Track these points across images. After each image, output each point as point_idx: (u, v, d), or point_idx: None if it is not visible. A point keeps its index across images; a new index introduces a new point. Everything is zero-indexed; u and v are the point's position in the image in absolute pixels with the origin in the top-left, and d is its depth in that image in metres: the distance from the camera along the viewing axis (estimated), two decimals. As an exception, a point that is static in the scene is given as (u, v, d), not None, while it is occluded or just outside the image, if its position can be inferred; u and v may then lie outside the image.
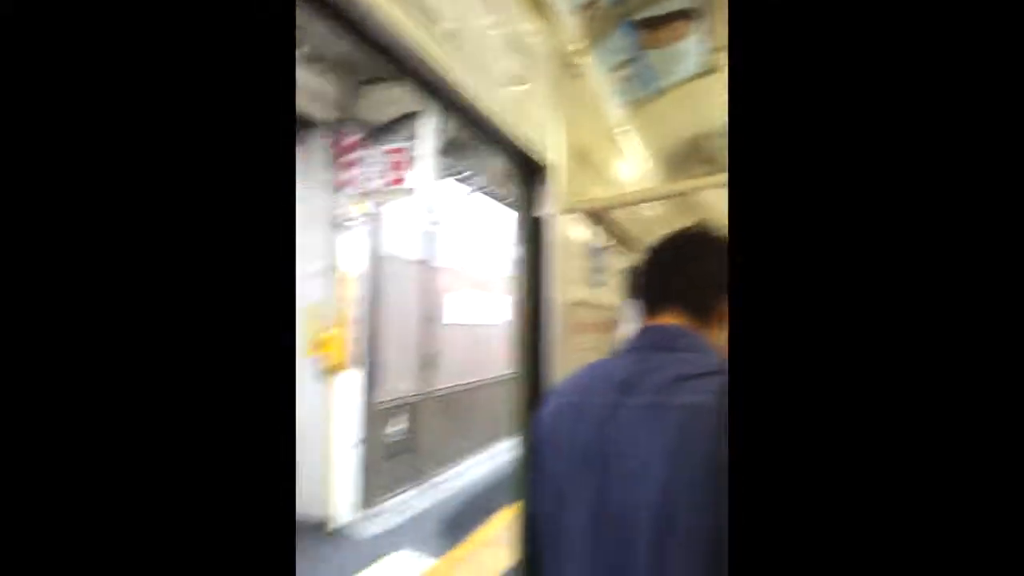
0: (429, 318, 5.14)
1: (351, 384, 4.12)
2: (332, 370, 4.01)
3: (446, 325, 5.50)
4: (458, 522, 4.29)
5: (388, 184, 4.09)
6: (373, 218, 4.39)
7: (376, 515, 4.25)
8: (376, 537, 3.89)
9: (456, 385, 5.67)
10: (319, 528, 3.91)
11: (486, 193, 6.11)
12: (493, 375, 6.46)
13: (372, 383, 4.30)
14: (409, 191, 4.05)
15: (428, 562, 3.46)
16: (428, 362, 5.11)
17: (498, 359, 6.61)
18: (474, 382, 6.05)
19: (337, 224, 4.13)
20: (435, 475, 5.13)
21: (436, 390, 5.25)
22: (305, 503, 4.00)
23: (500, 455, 6.32)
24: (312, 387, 4.06)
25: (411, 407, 4.88)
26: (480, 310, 6.20)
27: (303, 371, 4.09)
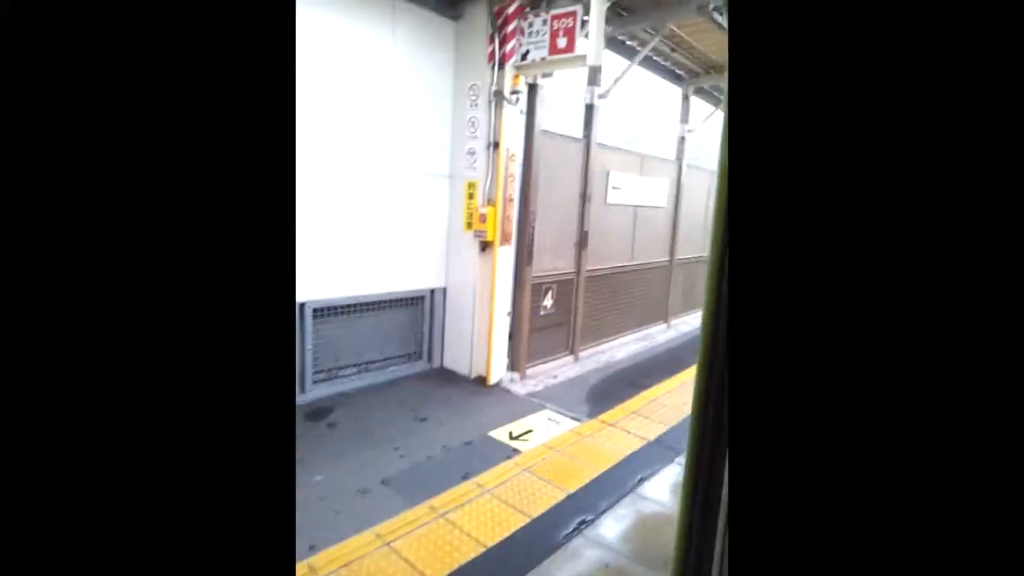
0: (587, 197, 5.08)
1: (506, 259, 4.37)
2: (490, 245, 4.27)
3: (606, 205, 5.40)
4: (602, 393, 4.54)
5: (552, 54, 3.91)
6: (534, 92, 4.30)
7: (526, 377, 4.69)
8: (528, 395, 4.32)
9: (612, 267, 5.68)
10: (481, 381, 4.46)
11: (656, 64, 5.51)
12: (650, 260, 6.31)
13: (526, 259, 4.51)
14: (574, 60, 3.84)
15: (570, 423, 3.79)
16: (583, 241, 5.15)
17: (657, 244, 6.40)
18: (630, 265, 6.00)
19: (497, 99, 4.13)
20: (580, 350, 5.39)
21: (591, 269, 5.34)
22: (468, 361, 4.56)
23: (648, 338, 6.36)
24: (471, 260, 4.41)
25: (565, 284, 5.06)
26: (642, 191, 5.94)
27: (464, 245, 4.43)
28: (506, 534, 2.44)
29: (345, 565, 2.16)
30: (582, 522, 2.57)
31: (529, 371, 4.78)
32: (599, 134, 5.08)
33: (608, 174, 5.37)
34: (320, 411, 3.71)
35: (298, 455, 3.09)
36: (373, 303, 4.20)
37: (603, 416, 3.87)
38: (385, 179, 4.07)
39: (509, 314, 4.53)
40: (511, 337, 4.61)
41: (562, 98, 4.71)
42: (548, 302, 4.91)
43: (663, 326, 6.82)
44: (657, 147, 6.13)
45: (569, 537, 2.46)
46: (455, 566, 2.21)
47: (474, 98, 4.24)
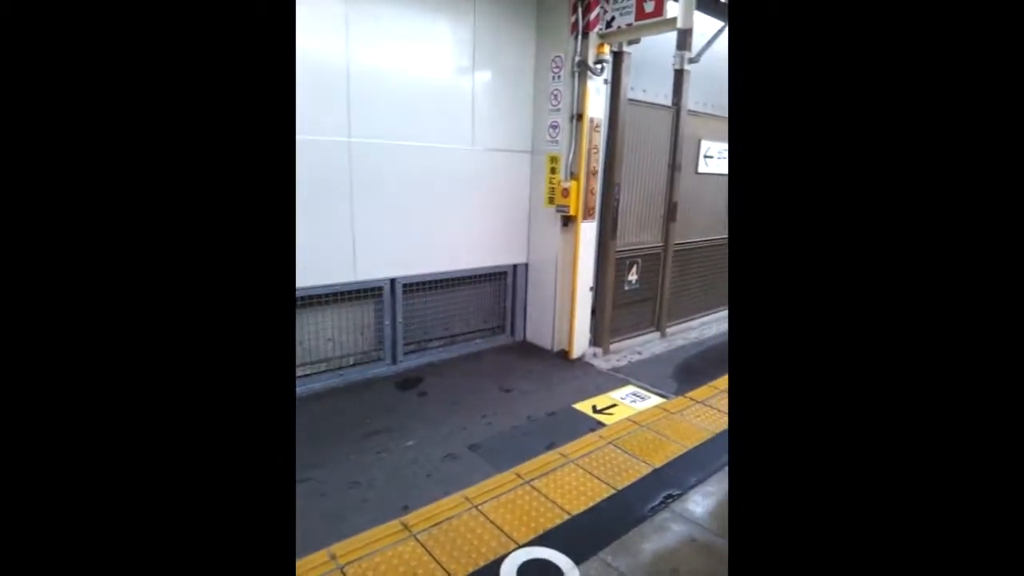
0: (676, 167, 4.88)
1: (589, 234, 4.31)
2: (572, 220, 4.23)
3: (696, 175, 5.16)
4: (690, 370, 4.40)
5: (639, 19, 3.76)
6: (619, 59, 4.16)
7: (609, 353, 4.64)
8: (611, 370, 4.28)
9: (702, 240, 5.44)
10: (564, 355, 4.47)
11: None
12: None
13: (610, 233, 4.42)
14: (663, 24, 3.67)
15: (656, 399, 3.71)
16: (672, 213, 4.97)
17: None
18: (722, 239, 5.71)
19: (581, 69, 4.04)
20: (667, 326, 5.23)
21: (680, 243, 5.14)
22: (550, 335, 4.58)
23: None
24: (553, 236, 4.39)
25: (651, 258, 4.92)
26: (735, 160, 5.60)
27: (546, 221, 4.42)
28: (591, 503, 2.45)
29: (436, 524, 2.28)
30: (668, 496, 2.53)
31: (613, 346, 4.72)
32: (690, 100, 4.83)
33: (699, 142, 5.12)
34: (411, 380, 3.90)
35: (392, 422, 3.27)
36: (458, 279, 4.32)
37: (691, 393, 3.75)
38: (466, 158, 4.13)
39: (592, 289, 4.48)
40: (594, 312, 4.56)
41: (650, 64, 4.52)
42: (633, 277, 4.80)
43: (757, 303, 6.46)
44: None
45: (655, 510, 2.43)
46: (540, 531, 2.26)
47: (556, 70, 4.18)
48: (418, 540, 2.18)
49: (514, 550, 2.15)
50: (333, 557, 2.07)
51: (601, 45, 4.02)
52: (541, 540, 2.21)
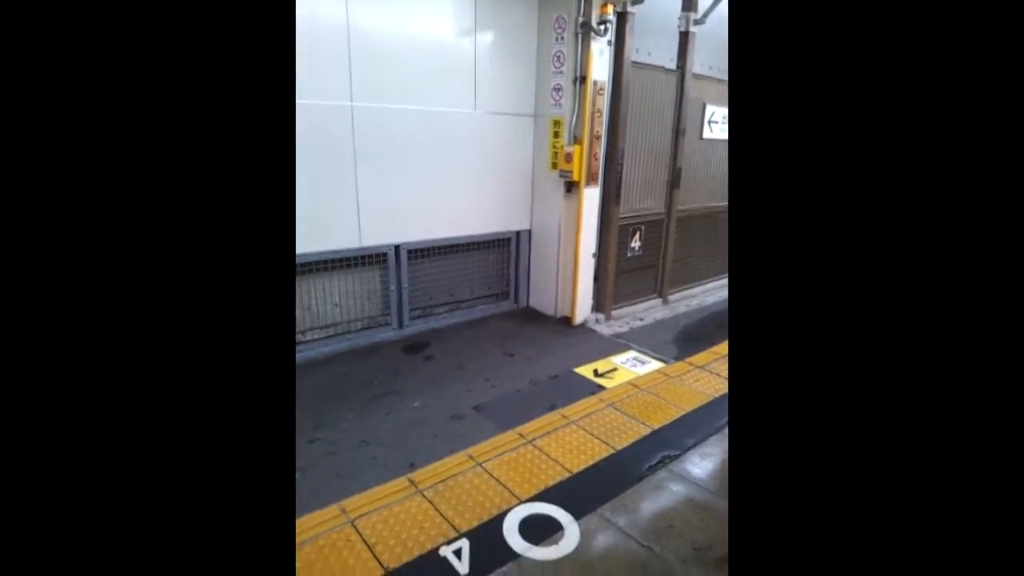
0: (681, 132, 4.82)
1: (592, 200, 4.31)
2: (575, 185, 4.21)
3: (701, 140, 5.11)
4: (691, 336, 4.46)
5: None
6: (623, 20, 4.07)
7: (611, 319, 4.69)
8: (613, 336, 4.35)
9: (706, 206, 5.42)
10: (566, 321, 4.53)
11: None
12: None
13: (613, 199, 4.41)
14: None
15: (656, 364, 3.78)
16: (676, 180, 4.94)
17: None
18: (726, 206, 5.68)
19: (584, 30, 3.96)
20: (669, 293, 5.27)
21: (683, 209, 5.13)
22: (553, 301, 4.63)
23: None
24: (556, 202, 4.38)
25: (654, 225, 4.92)
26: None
27: (549, 186, 4.40)
28: (590, 462, 2.54)
29: (442, 481, 2.37)
30: (666, 456, 2.62)
31: (615, 313, 4.77)
32: (695, 64, 4.74)
33: (704, 106, 5.04)
34: (417, 345, 3.97)
35: (399, 384, 3.36)
36: (462, 245, 4.34)
37: (692, 359, 3.81)
38: (469, 122, 4.10)
39: (595, 256, 4.50)
40: (597, 279, 4.60)
41: (654, 25, 4.42)
42: (636, 244, 4.82)
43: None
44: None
45: (653, 469, 2.52)
46: (542, 487, 2.35)
47: (560, 31, 4.10)
48: (424, 496, 2.27)
49: (516, 505, 2.24)
50: (344, 511, 2.17)
51: (605, 5, 3.93)
52: (542, 496, 2.30)
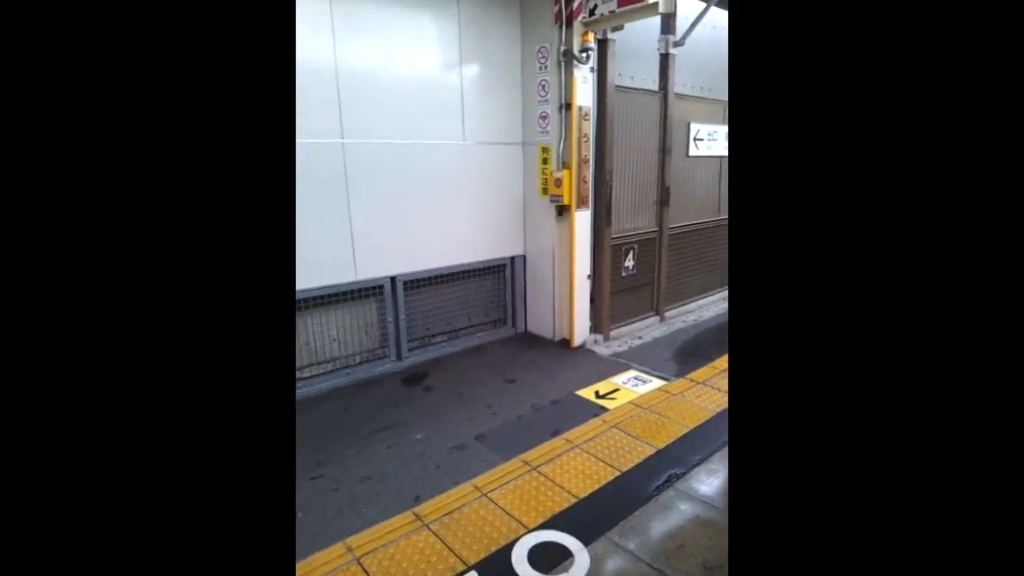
0: (667, 151, 4.90)
1: (584, 222, 4.36)
2: (566, 209, 4.27)
3: (687, 158, 5.19)
4: (690, 352, 4.46)
5: (622, 5, 3.78)
6: (604, 47, 4.18)
7: (610, 339, 4.69)
8: (612, 356, 4.34)
9: (696, 223, 5.48)
10: (565, 344, 4.53)
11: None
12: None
13: (605, 221, 4.46)
14: (646, 9, 3.68)
15: (658, 382, 3.77)
16: (665, 198, 5.00)
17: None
18: (716, 220, 5.75)
19: (567, 59, 4.06)
20: (665, 310, 5.29)
21: (674, 227, 5.18)
22: (551, 325, 4.63)
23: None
24: (548, 226, 4.43)
25: (646, 244, 4.96)
26: (727, 141, 5.63)
27: (541, 211, 4.45)
28: (596, 486, 2.52)
29: (448, 513, 2.34)
30: (672, 475, 2.60)
31: (613, 333, 4.77)
32: (677, 83, 4.85)
33: (688, 125, 5.14)
34: (416, 376, 3.96)
35: (399, 417, 3.34)
36: (457, 273, 4.36)
37: (692, 375, 3.81)
38: (459, 152, 4.17)
39: (590, 277, 4.53)
40: (593, 300, 4.62)
41: (635, 50, 4.53)
42: (630, 263, 4.85)
43: (754, 282, 6.50)
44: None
45: (660, 489, 2.50)
46: (549, 515, 2.32)
47: (543, 60, 4.20)
48: (430, 529, 2.24)
49: (524, 534, 2.21)
50: (350, 549, 2.14)
51: (585, 33, 4.04)
52: (550, 524, 2.27)
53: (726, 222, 5.89)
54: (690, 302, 5.62)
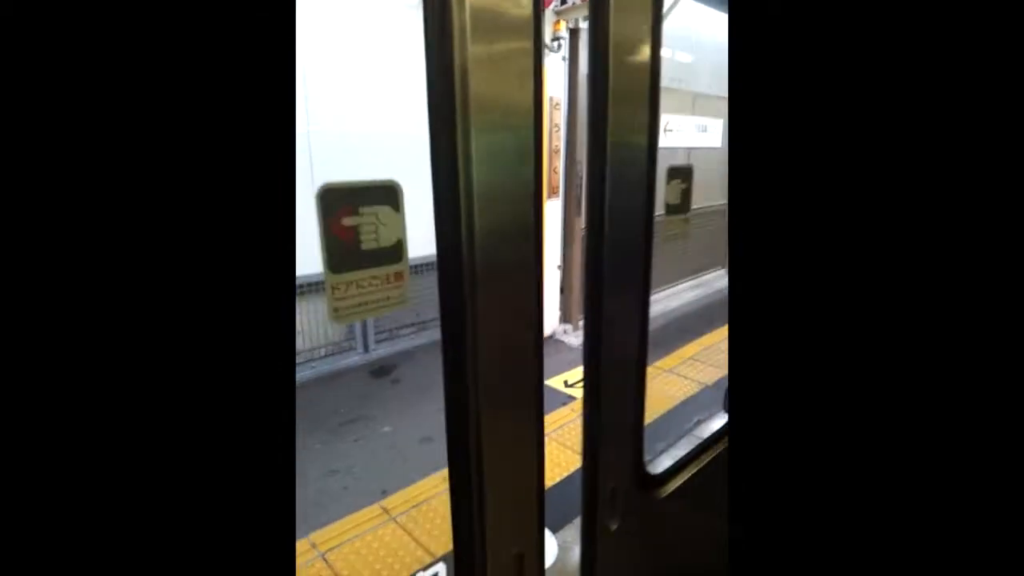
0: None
1: (554, 212, 4.35)
2: (537, 198, 4.25)
3: (662, 149, 5.23)
4: (656, 341, 4.53)
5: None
6: (576, 37, 4.16)
7: (579, 329, 4.72)
8: (580, 346, 4.36)
9: (663, 215, 5.53)
10: (533, 335, 4.54)
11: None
12: (705, 204, 6.10)
13: (575, 210, 4.47)
14: None
15: (625, 372, 3.82)
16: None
17: (712, 187, 6.16)
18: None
19: (536, 48, 4.03)
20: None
21: (642, 218, 5.23)
22: (521, 313, 4.63)
23: (705, 285, 6.22)
24: (521, 214, 4.41)
25: (615, 234, 4.99)
26: (694, 132, 5.69)
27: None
28: (565, 474, 2.54)
29: (415, 506, 2.33)
30: (639, 464, 2.63)
31: (582, 323, 4.80)
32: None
33: (667, 115, 5.18)
34: (384, 368, 3.91)
35: (367, 410, 3.29)
36: (426, 264, 4.31)
37: (658, 363, 3.87)
38: (426, 141, 4.10)
39: (560, 267, 4.54)
40: (563, 290, 4.63)
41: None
42: (599, 253, 4.88)
43: (720, 272, 6.63)
44: (711, 84, 5.80)
45: (626, 478, 2.53)
46: (517, 505, 2.33)
47: (513, 49, 4.16)
48: (397, 523, 2.23)
49: (492, 525, 2.21)
50: (314, 545, 2.10)
51: (557, 23, 4.01)
52: (518, 513, 2.28)
53: (694, 212, 5.97)
54: (658, 291, 5.69)
